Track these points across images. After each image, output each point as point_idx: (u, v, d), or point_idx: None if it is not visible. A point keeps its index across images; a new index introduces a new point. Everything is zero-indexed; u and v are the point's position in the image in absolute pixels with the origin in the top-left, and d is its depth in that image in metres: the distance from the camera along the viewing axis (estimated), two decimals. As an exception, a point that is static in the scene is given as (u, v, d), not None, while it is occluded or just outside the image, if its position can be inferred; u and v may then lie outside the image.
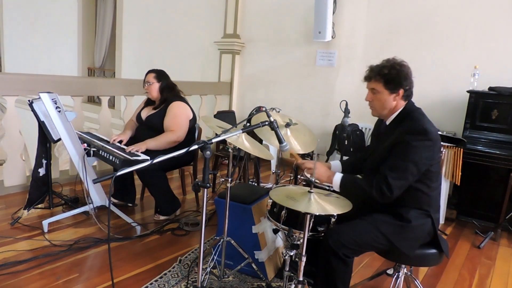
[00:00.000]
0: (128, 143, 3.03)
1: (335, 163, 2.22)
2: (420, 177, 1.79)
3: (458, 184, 3.44)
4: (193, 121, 3.17)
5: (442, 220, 3.58)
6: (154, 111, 3.13)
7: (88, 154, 2.79)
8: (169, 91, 3.14)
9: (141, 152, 2.80)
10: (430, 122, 1.84)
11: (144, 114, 3.17)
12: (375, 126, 2.15)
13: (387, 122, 1.96)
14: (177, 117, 3.03)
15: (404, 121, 1.85)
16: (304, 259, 1.71)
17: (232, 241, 2.21)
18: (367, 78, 1.93)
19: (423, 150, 1.74)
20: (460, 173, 3.35)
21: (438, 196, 1.93)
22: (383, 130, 2.01)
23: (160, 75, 3.14)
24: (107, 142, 3.00)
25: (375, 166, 1.88)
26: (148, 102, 3.25)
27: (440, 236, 1.93)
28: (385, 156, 1.82)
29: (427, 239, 1.88)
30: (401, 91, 1.85)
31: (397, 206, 1.85)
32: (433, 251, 1.88)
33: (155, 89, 3.11)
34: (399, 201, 1.84)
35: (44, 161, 3.01)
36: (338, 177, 1.87)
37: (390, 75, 1.84)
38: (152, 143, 2.89)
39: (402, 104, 1.89)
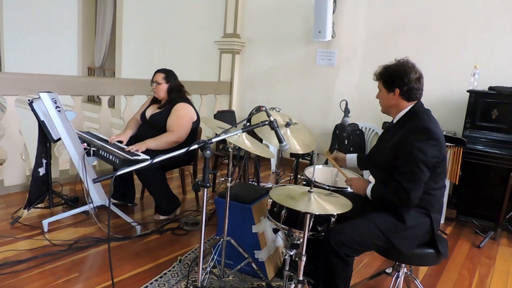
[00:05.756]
0: (130, 142, 3.02)
1: (351, 156, 2.31)
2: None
3: (457, 184, 3.44)
4: (196, 123, 3.17)
5: (442, 220, 3.58)
6: (158, 110, 3.13)
7: (88, 154, 2.78)
8: (177, 93, 3.13)
9: (141, 152, 2.80)
10: (436, 122, 1.86)
11: (149, 113, 3.17)
12: (386, 124, 2.17)
13: (394, 121, 2.00)
14: (181, 118, 3.03)
15: (410, 121, 1.88)
16: (304, 258, 1.71)
17: (232, 241, 2.21)
18: (374, 77, 2.00)
19: (429, 149, 1.76)
20: (459, 172, 3.36)
21: (442, 197, 1.93)
22: (390, 128, 2.05)
23: (169, 75, 3.13)
24: (107, 141, 2.99)
25: (378, 163, 1.96)
26: (154, 100, 3.24)
27: (440, 236, 1.93)
28: (391, 153, 1.85)
29: (426, 239, 1.88)
30: (397, 90, 1.88)
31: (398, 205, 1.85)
32: (432, 251, 1.88)
33: (163, 89, 3.10)
34: None
35: (44, 161, 3.01)
36: (369, 189, 1.93)
37: (386, 75, 1.91)
38: (152, 143, 2.89)
39: (405, 104, 1.91)
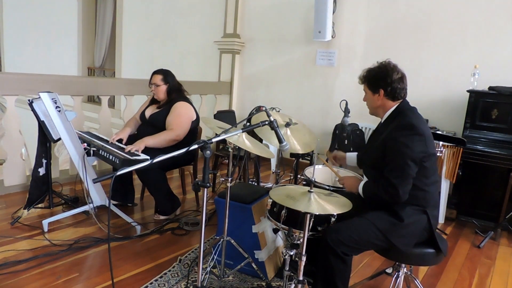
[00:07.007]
0: (130, 142, 3.02)
1: (351, 155, 2.33)
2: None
3: (455, 182, 3.44)
4: (195, 122, 3.17)
5: (442, 220, 3.58)
6: (158, 110, 3.13)
7: (88, 154, 2.78)
8: (176, 93, 3.13)
9: (141, 151, 2.80)
10: (421, 119, 1.91)
11: (148, 113, 3.17)
12: (377, 125, 2.20)
13: (382, 121, 2.05)
14: (180, 117, 3.03)
15: (396, 119, 1.93)
16: (304, 258, 1.71)
17: (232, 241, 2.21)
18: (359, 81, 2.06)
19: (414, 144, 1.79)
20: (457, 172, 3.35)
21: (436, 192, 1.94)
22: (379, 128, 2.10)
23: (167, 76, 3.12)
24: (107, 141, 2.99)
25: (371, 162, 2.00)
26: (154, 101, 3.24)
27: (439, 236, 1.94)
28: (379, 151, 1.88)
29: (424, 236, 1.89)
30: (381, 91, 1.93)
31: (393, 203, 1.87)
32: (432, 250, 1.88)
33: (162, 91, 3.10)
34: None
35: (44, 161, 3.01)
36: (360, 186, 1.95)
37: (370, 77, 1.97)
38: (150, 141, 2.89)
39: (391, 103, 1.96)
